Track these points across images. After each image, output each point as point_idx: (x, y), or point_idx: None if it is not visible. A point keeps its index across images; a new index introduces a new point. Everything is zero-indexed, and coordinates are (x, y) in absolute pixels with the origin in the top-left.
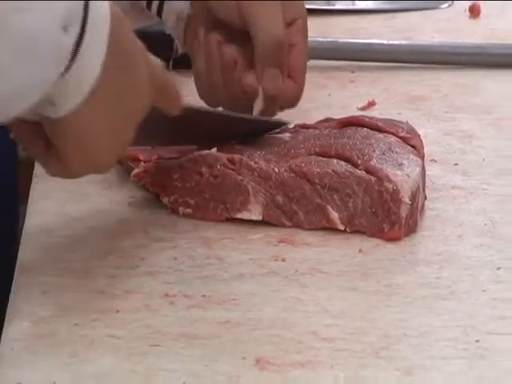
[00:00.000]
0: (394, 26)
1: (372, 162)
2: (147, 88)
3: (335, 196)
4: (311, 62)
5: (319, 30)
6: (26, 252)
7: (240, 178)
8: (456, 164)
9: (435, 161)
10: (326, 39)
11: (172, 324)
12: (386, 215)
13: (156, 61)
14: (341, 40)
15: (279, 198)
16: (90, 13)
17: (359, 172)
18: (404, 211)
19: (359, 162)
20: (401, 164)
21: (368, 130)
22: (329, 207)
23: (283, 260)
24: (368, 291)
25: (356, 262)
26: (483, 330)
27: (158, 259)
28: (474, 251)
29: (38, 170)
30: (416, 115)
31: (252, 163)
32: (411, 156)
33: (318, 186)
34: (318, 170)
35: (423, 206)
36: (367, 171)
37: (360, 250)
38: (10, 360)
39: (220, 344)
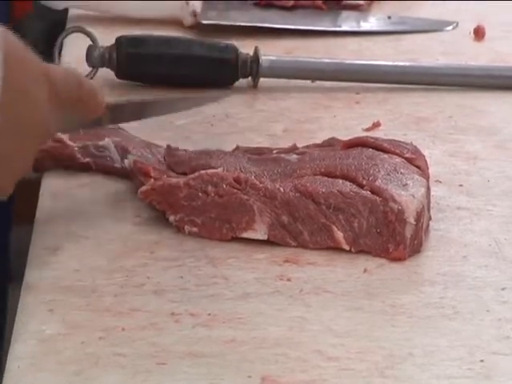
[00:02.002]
0: (399, 47)
1: (377, 183)
2: (46, 113)
3: (340, 216)
4: (316, 83)
5: (325, 51)
6: (32, 271)
7: (246, 197)
8: (461, 185)
9: (440, 182)
10: (331, 60)
11: (178, 342)
12: (391, 235)
13: (64, 71)
14: (346, 61)
15: (284, 218)
16: None
17: (364, 192)
18: (409, 231)
19: (364, 182)
20: (405, 184)
21: (373, 150)
22: (334, 227)
23: (288, 279)
24: (373, 311)
25: (361, 281)
26: (488, 350)
27: (163, 278)
28: (479, 271)
29: (44, 189)
30: (421, 136)
31: (257, 183)
32: (416, 176)
33: (323, 206)
34: (324, 189)
35: (428, 226)
36: (372, 191)
37: (365, 270)
38: (16, 378)
39: (225, 362)
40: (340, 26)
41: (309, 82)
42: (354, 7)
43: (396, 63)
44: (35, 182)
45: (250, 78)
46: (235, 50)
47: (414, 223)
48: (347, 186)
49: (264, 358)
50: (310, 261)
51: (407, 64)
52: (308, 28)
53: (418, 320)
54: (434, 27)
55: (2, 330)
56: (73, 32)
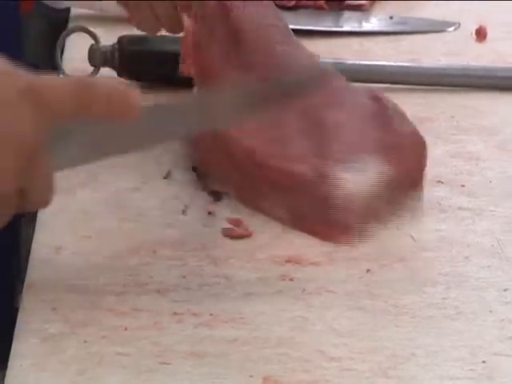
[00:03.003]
0: (401, 48)
1: (332, 168)
2: (30, 126)
3: (287, 195)
4: None
5: (327, 52)
6: (34, 269)
7: None
8: (463, 185)
9: (442, 182)
10: (333, 61)
11: (180, 342)
12: (327, 218)
13: (59, 81)
14: (348, 61)
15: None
16: None
17: (314, 177)
18: (352, 217)
19: (324, 167)
20: (363, 170)
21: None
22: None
23: (290, 279)
24: (375, 311)
25: (363, 281)
26: (490, 350)
27: (166, 277)
28: (481, 272)
29: None
30: None
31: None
32: (379, 166)
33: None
34: (283, 166)
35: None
36: (322, 176)
37: (367, 270)
38: (18, 377)
39: (228, 362)
40: (342, 27)
41: None
42: (356, 7)
43: (398, 63)
44: None
45: None
46: None
47: (357, 207)
48: (307, 168)
49: (266, 357)
50: (313, 261)
51: (409, 64)
52: (309, 28)
53: (421, 320)
54: (436, 28)
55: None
56: (75, 31)
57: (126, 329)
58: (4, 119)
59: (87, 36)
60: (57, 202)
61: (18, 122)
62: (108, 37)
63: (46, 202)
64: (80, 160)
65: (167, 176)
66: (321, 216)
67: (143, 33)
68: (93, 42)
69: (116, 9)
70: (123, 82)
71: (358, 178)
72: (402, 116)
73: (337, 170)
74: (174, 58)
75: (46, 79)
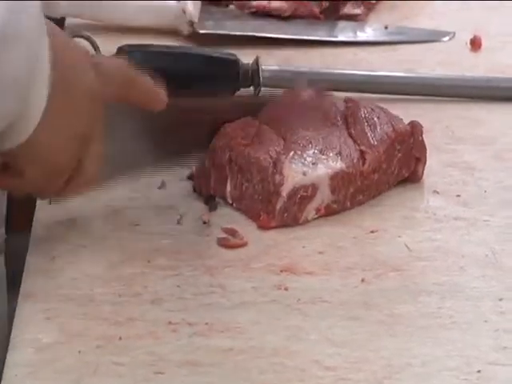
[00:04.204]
0: (396, 57)
1: (286, 157)
2: (98, 88)
3: (239, 174)
4: None
5: (321, 61)
6: (29, 279)
7: None
8: (458, 195)
9: (437, 192)
10: (328, 70)
11: (175, 351)
12: (266, 204)
13: (112, 60)
14: (343, 71)
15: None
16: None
17: (266, 162)
18: (279, 204)
19: (283, 155)
20: (315, 162)
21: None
22: (228, 180)
23: (285, 289)
24: (370, 320)
25: (358, 291)
26: (485, 360)
27: (161, 287)
28: (476, 282)
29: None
30: None
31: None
32: (341, 161)
33: (234, 163)
34: (242, 149)
35: (328, 206)
36: (274, 163)
37: (362, 280)
38: None
39: (223, 372)
40: (337, 36)
41: None
42: (351, 17)
43: (392, 73)
44: None
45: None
46: (236, 59)
47: (285, 198)
48: (267, 153)
49: (261, 367)
50: (308, 270)
51: (404, 74)
52: (305, 38)
53: (416, 330)
54: (431, 37)
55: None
56: (75, 37)
57: (120, 338)
58: (83, 79)
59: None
60: (52, 211)
61: (90, 82)
62: (103, 46)
63: (93, 180)
64: None
65: (162, 186)
66: (260, 200)
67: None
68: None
69: (111, 19)
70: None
71: (307, 171)
72: (393, 117)
73: (290, 162)
74: (171, 70)
75: (105, 57)
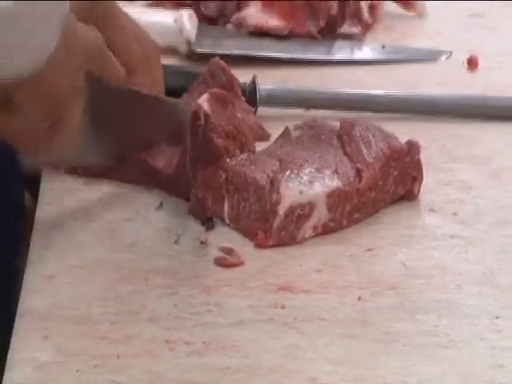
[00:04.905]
0: (393, 77)
1: (283, 176)
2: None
3: (236, 194)
4: (312, 112)
5: (319, 80)
6: (27, 297)
7: None
8: (455, 214)
9: (434, 210)
10: (325, 90)
11: (172, 370)
12: (263, 223)
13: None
14: (340, 90)
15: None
16: None
17: (263, 181)
18: (276, 223)
19: (280, 174)
20: (312, 181)
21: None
22: (225, 201)
23: (282, 307)
24: (367, 338)
25: (355, 309)
26: (482, 378)
27: (158, 306)
28: (473, 299)
29: (39, 217)
30: None
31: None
32: (338, 179)
33: (230, 183)
34: (239, 168)
35: (325, 224)
36: (271, 182)
37: (359, 298)
38: None
39: None
40: (334, 56)
41: (301, 110)
42: (348, 36)
43: (389, 92)
44: (31, 209)
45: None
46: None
47: (283, 216)
48: (264, 173)
49: None
50: (304, 288)
51: (401, 93)
52: (302, 57)
53: (413, 348)
54: (428, 57)
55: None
56: None
57: (118, 357)
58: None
59: None
60: (48, 232)
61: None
62: None
63: (75, 134)
64: None
65: (159, 207)
66: (258, 218)
67: None
68: None
69: None
70: None
71: (304, 190)
72: (389, 134)
73: (287, 181)
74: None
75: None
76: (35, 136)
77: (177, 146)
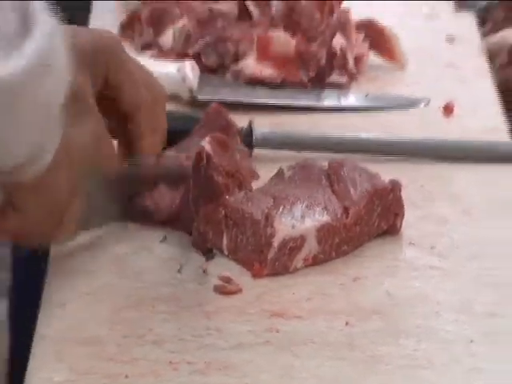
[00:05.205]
0: (376, 122)
1: (277, 211)
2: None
3: (235, 229)
4: (303, 153)
5: (310, 125)
6: (43, 323)
7: None
8: (433, 247)
9: (413, 244)
10: (315, 133)
11: None
12: (258, 254)
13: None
14: (329, 134)
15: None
16: None
17: (258, 217)
18: (271, 254)
19: (273, 210)
20: (303, 216)
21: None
22: (224, 235)
23: (277, 331)
24: (354, 360)
25: (343, 333)
26: None
27: (162, 329)
28: (450, 326)
29: (55, 249)
30: None
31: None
32: (326, 216)
33: (229, 218)
34: (238, 205)
35: (316, 256)
36: (266, 217)
37: (346, 323)
38: None
39: None
40: (323, 103)
41: (293, 152)
42: (336, 85)
43: (373, 136)
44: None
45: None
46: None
47: (276, 248)
48: (259, 209)
49: None
50: (297, 314)
51: (383, 137)
52: (294, 104)
53: (395, 369)
54: (408, 104)
55: None
56: None
57: (126, 376)
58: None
59: None
60: (63, 263)
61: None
62: None
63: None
64: None
65: (163, 240)
66: (254, 250)
67: None
68: None
69: None
70: None
71: (296, 225)
72: (373, 175)
73: (280, 216)
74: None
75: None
76: (35, 235)
77: (175, 189)
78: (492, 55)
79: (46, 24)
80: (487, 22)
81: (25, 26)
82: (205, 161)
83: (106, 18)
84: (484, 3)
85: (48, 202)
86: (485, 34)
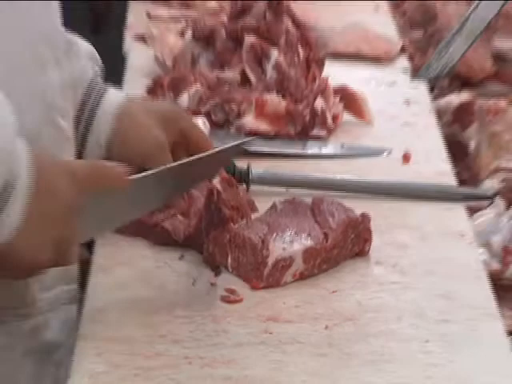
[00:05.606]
0: (350, 167)
1: (271, 236)
2: (74, 192)
3: (237, 250)
4: (291, 190)
5: (296, 168)
6: (84, 324)
7: None
8: (394, 266)
9: (379, 263)
10: (300, 175)
11: (190, 378)
12: (255, 271)
13: (90, 166)
14: (311, 176)
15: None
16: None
17: (256, 241)
18: (266, 271)
19: (268, 236)
20: (292, 241)
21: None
22: (229, 256)
23: (270, 333)
24: (332, 357)
25: (323, 335)
26: None
27: (179, 331)
28: (409, 329)
29: (95, 263)
30: None
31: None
32: (309, 241)
33: (232, 243)
34: (242, 231)
35: (301, 272)
36: (263, 242)
37: (326, 327)
38: None
39: None
40: (307, 151)
41: (283, 189)
42: (317, 137)
43: (347, 178)
44: (87, 258)
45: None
46: (233, 164)
47: (271, 267)
48: (257, 236)
49: None
50: (287, 319)
51: (355, 179)
52: (284, 151)
53: (365, 363)
54: (375, 153)
55: None
56: None
57: (151, 368)
58: (51, 203)
59: None
60: (101, 277)
61: (62, 204)
62: None
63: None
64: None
65: (181, 258)
66: (252, 268)
67: None
68: None
69: None
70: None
71: (286, 248)
72: (347, 209)
73: (274, 241)
74: None
75: (82, 165)
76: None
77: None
78: (440, 115)
79: None
80: (436, 89)
81: None
82: (215, 197)
83: (136, 83)
84: (434, 74)
85: (21, 263)
86: (434, 98)
